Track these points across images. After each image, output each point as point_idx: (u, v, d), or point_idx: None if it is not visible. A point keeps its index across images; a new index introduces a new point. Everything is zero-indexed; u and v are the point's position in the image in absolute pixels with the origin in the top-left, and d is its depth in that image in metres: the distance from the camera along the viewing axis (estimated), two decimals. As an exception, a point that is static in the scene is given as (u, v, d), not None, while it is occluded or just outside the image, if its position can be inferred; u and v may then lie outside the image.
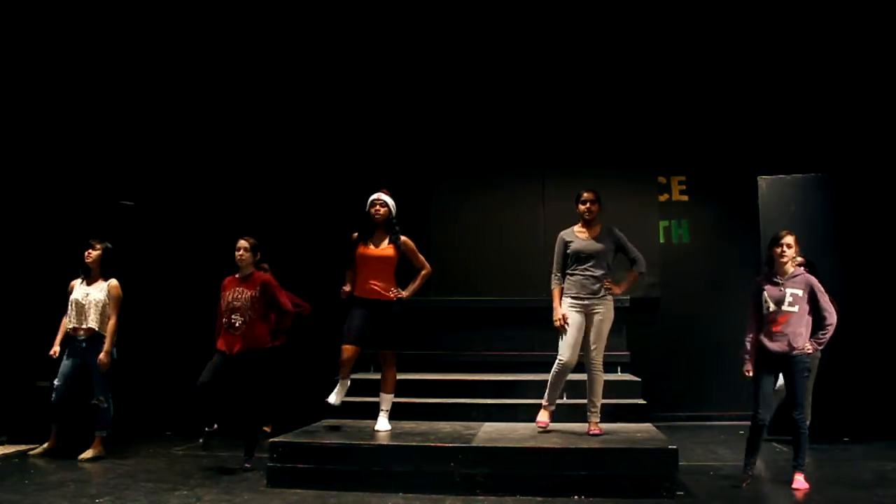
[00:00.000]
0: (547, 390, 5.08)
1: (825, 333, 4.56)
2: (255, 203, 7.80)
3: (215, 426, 5.15)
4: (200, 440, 5.14)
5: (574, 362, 4.97)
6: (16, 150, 6.74)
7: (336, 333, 5.18)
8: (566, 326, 4.93)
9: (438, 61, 7.89)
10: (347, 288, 5.12)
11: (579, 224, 5.11)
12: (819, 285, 4.60)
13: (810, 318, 4.57)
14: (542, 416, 5.07)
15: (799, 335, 4.51)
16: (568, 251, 5.03)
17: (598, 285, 4.96)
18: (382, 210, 5.12)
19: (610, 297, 5.01)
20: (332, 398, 5.05)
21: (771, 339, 4.55)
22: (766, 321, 4.59)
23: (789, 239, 4.59)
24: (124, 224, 7.03)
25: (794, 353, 4.49)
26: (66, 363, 5.62)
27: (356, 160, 7.81)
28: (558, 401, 5.17)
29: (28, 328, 6.34)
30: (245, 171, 8.00)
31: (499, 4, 7.58)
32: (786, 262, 4.58)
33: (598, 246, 4.99)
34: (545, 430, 5.00)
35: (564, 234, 5.11)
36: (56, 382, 5.60)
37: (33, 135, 6.89)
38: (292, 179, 7.96)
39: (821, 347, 4.64)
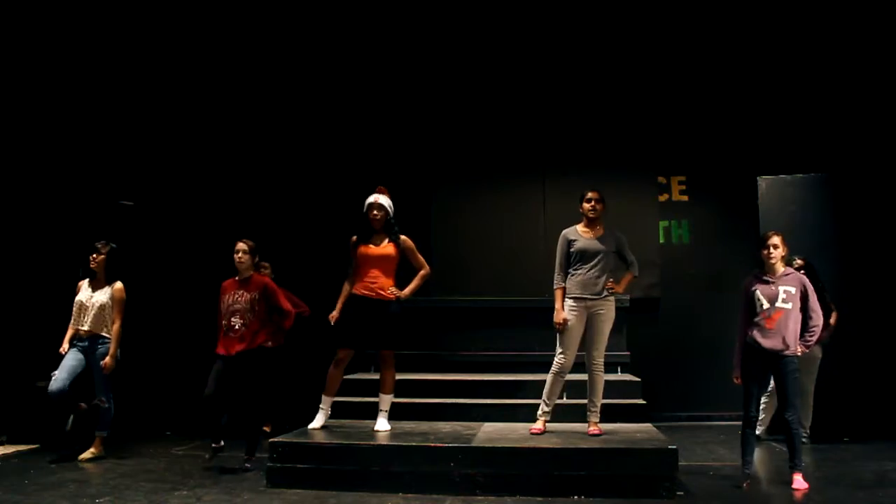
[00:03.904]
0: (543, 396, 5.06)
1: (812, 335, 4.58)
2: (256, 203, 7.80)
3: (222, 443, 5.20)
4: (207, 455, 5.19)
5: (570, 365, 4.98)
6: (16, 151, 6.74)
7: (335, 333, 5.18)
8: (565, 329, 4.93)
9: (439, 62, 7.89)
10: (335, 314, 5.06)
11: (582, 223, 5.10)
12: (811, 286, 4.63)
13: (801, 318, 4.58)
14: (537, 425, 5.04)
15: (792, 333, 4.52)
16: (571, 250, 5.03)
17: (600, 285, 4.96)
18: (379, 215, 5.11)
19: (612, 297, 5.01)
20: (316, 423, 5.08)
21: (764, 337, 4.54)
22: (758, 319, 4.59)
23: (776, 239, 4.62)
24: (124, 224, 7.03)
25: (787, 352, 4.50)
26: (68, 358, 5.57)
27: (357, 161, 7.80)
28: (558, 401, 5.16)
29: (28, 328, 6.34)
30: (245, 171, 8.00)
31: (499, 5, 7.58)
32: (774, 263, 4.61)
33: (601, 246, 4.99)
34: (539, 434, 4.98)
35: (567, 233, 5.10)
36: (55, 373, 5.43)
37: (33, 135, 6.89)
38: (293, 180, 7.96)
39: (807, 350, 4.64)
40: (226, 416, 5.29)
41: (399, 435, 4.94)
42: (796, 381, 4.59)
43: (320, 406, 5.13)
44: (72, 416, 5.52)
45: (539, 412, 5.08)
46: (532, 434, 4.95)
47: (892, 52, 6.98)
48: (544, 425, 5.04)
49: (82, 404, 5.53)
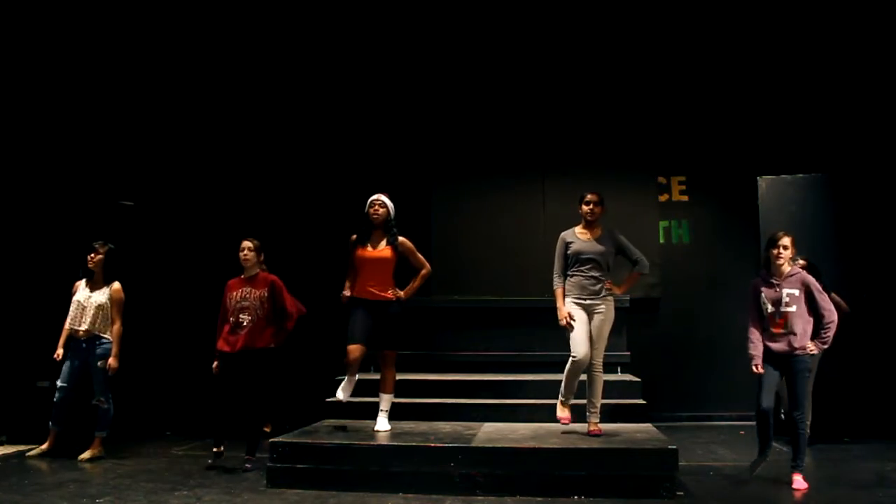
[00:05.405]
0: (562, 387, 5.00)
1: (827, 332, 4.57)
2: (255, 203, 7.80)
3: (223, 448, 5.20)
4: (210, 460, 5.19)
5: (588, 357, 4.88)
6: (16, 151, 6.74)
7: (335, 333, 5.19)
8: (573, 324, 4.91)
9: (439, 62, 7.89)
10: (347, 293, 5.12)
11: (580, 225, 5.11)
12: (816, 284, 4.62)
13: (811, 318, 4.57)
14: (563, 413, 4.98)
15: (799, 335, 4.52)
16: (568, 252, 5.03)
17: (598, 286, 4.96)
18: (381, 210, 5.13)
19: (611, 298, 5.00)
20: (340, 394, 5.08)
21: (773, 340, 4.57)
22: (766, 323, 4.60)
23: (786, 241, 4.61)
24: (124, 224, 7.03)
25: (796, 353, 4.50)
26: (68, 365, 5.62)
27: (356, 160, 7.80)
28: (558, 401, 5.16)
29: (28, 328, 6.34)
30: (245, 171, 8.00)
31: (499, 5, 7.58)
32: (782, 264, 4.60)
33: (598, 247, 4.99)
34: (568, 425, 4.97)
35: (565, 235, 5.11)
36: (59, 383, 5.61)
37: (33, 135, 6.88)
38: (292, 180, 7.95)
39: (825, 346, 4.64)
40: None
41: (399, 435, 4.94)
42: (806, 380, 4.61)
43: (347, 376, 5.06)
44: (47, 443, 5.61)
45: (561, 398, 5.00)
46: (561, 422, 4.94)
47: (892, 52, 6.98)
48: (570, 413, 4.98)
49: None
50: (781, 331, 4.54)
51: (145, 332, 6.82)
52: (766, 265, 4.73)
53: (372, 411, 5.16)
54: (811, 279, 4.63)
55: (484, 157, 7.85)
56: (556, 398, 5.06)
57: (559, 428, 5.06)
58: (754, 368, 4.65)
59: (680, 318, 7.53)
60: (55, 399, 5.62)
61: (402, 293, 5.12)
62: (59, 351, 5.64)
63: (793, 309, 4.53)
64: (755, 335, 4.67)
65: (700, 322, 7.48)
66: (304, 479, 4.57)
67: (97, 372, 5.57)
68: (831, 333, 4.59)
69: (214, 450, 5.20)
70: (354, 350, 4.97)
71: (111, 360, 5.56)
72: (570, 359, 4.91)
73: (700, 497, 4.39)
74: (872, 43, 7.08)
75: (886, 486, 4.58)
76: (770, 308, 4.57)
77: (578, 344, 4.87)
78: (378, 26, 7.73)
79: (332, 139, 8.02)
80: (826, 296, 4.61)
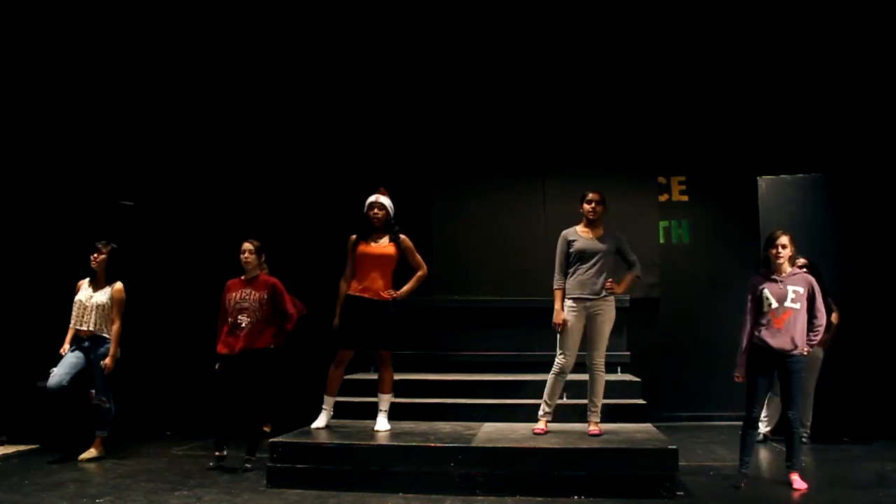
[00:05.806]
0: (544, 396, 5.08)
1: (816, 335, 4.59)
2: (255, 203, 7.79)
3: (225, 452, 5.21)
4: (211, 464, 5.20)
5: (571, 366, 4.99)
6: (16, 151, 6.74)
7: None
8: (564, 331, 4.94)
9: (439, 61, 7.88)
10: (337, 321, 5.09)
11: (582, 224, 5.11)
12: (818, 287, 4.61)
13: (806, 317, 4.59)
14: (539, 425, 5.06)
15: (800, 333, 4.52)
16: (571, 250, 5.03)
17: (599, 285, 4.96)
18: (381, 213, 5.13)
19: (611, 298, 5.01)
20: (319, 423, 5.11)
21: (773, 336, 4.53)
22: (766, 319, 4.58)
23: (784, 240, 4.60)
24: (124, 224, 7.03)
25: (795, 351, 4.49)
26: (68, 356, 5.57)
27: (356, 160, 7.80)
28: (558, 401, 5.16)
29: (28, 328, 6.34)
30: (245, 170, 7.99)
31: (498, 5, 7.58)
32: (782, 263, 4.59)
33: (601, 246, 5.00)
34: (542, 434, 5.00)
35: (567, 234, 5.11)
36: (53, 370, 5.48)
37: (33, 135, 6.89)
38: (292, 179, 7.94)
39: (810, 350, 4.65)
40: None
41: (399, 435, 4.94)
42: (801, 380, 4.59)
43: (322, 406, 5.14)
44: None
45: (540, 412, 5.09)
46: (535, 434, 4.95)
47: (892, 52, 6.97)
48: (546, 425, 5.05)
49: (92, 392, 5.58)
50: (783, 327, 4.52)
51: (146, 333, 6.82)
52: (765, 265, 4.72)
53: (372, 411, 5.17)
54: (815, 281, 4.63)
55: (484, 157, 7.84)
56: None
57: (559, 428, 5.07)
58: (736, 378, 4.67)
59: (680, 318, 7.53)
60: (48, 384, 5.41)
61: (398, 293, 5.11)
62: (66, 346, 5.63)
63: (797, 306, 4.52)
64: (747, 341, 4.65)
65: (700, 322, 7.48)
66: (304, 479, 4.57)
67: (98, 372, 5.57)
68: (818, 337, 4.62)
69: (217, 453, 5.20)
70: (344, 355, 5.05)
71: (107, 360, 5.54)
72: (556, 361, 4.99)
73: (700, 497, 4.40)
74: (872, 43, 7.08)
75: (886, 486, 4.58)
76: (774, 304, 4.54)
77: (567, 349, 4.96)
78: (378, 26, 7.72)
79: (332, 139, 8.01)
80: (822, 299, 4.62)
